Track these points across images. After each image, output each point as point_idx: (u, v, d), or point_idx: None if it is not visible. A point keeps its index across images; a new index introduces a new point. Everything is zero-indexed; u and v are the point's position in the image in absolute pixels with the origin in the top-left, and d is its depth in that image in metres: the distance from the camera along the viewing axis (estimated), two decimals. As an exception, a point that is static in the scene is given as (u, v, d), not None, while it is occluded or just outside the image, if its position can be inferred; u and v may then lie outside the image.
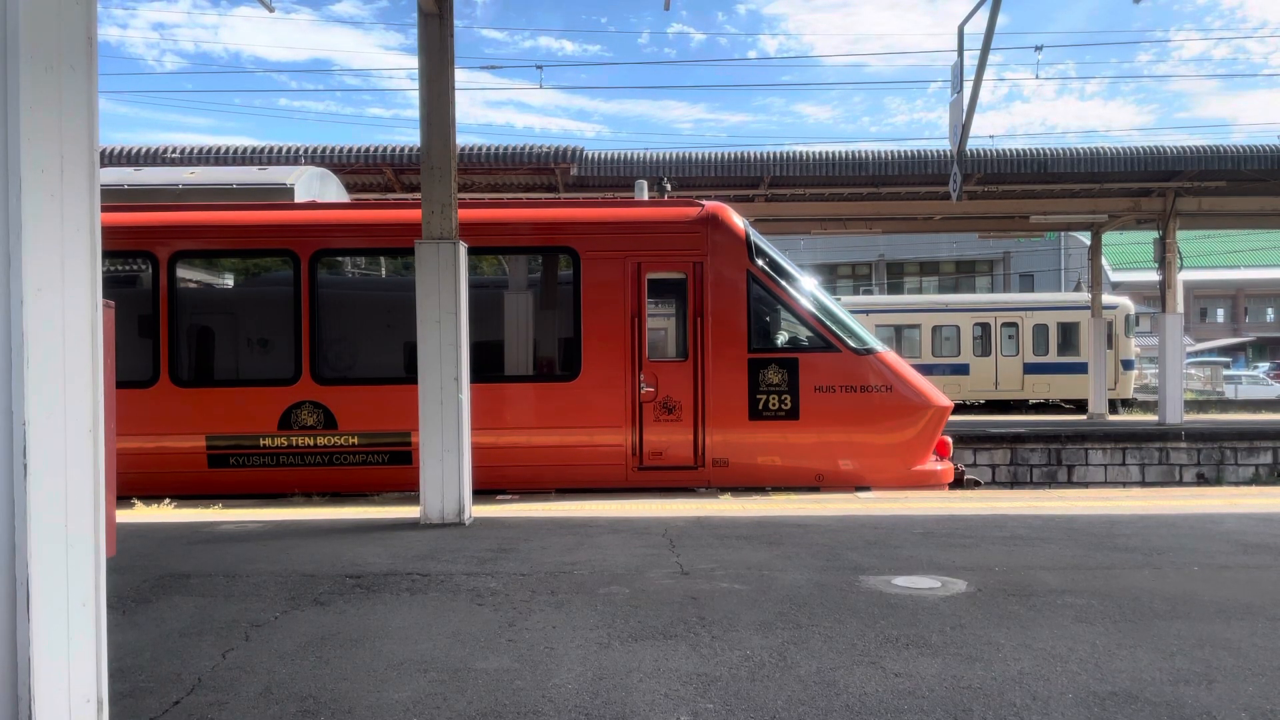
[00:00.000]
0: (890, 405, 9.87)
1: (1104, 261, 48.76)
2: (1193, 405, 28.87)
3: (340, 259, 10.43)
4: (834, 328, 9.95)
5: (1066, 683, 3.50)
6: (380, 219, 10.30)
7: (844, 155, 17.72)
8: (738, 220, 10.12)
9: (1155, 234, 19.42)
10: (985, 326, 27.32)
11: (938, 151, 17.54)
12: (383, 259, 10.84)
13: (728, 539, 6.60)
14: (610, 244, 9.96)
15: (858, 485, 9.89)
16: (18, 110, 2.23)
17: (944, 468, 10.27)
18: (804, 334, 9.97)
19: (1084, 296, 28.69)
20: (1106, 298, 25.25)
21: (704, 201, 10.28)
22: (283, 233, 9.93)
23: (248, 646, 4.10)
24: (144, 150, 16.53)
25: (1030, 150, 17.43)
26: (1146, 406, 27.93)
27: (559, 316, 10.18)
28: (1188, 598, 4.73)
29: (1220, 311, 65.90)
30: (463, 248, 7.61)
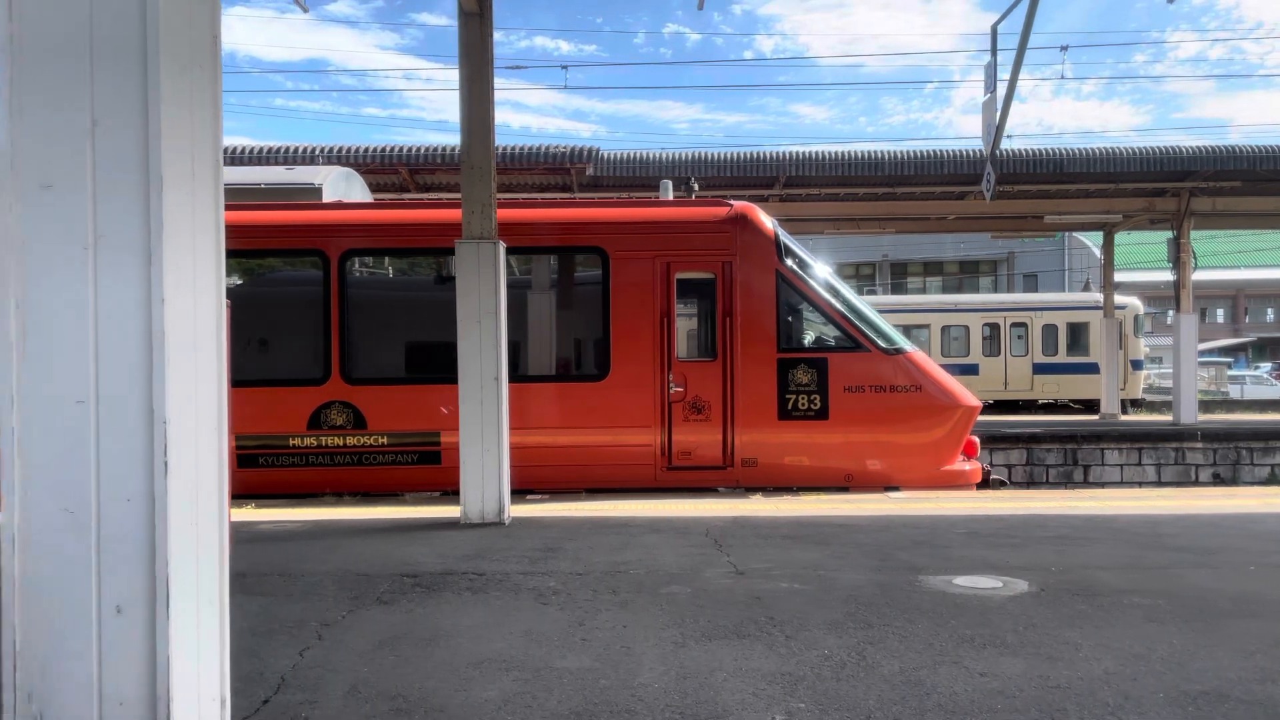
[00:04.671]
0: (919, 405, 9.87)
1: (1103, 260, 48.78)
2: (1199, 405, 28.80)
3: (370, 259, 10.42)
4: (863, 328, 9.95)
5: (1154, 682, 3.51)
6: (409, 219, 10.30)
7: (860, 155, 17.73)
8: (766, 220, 10.12)
9: (1168, 234, 19.43)
10: (994, 327, 27.33)
11: (954, 151, 17.56)
12: (412, 259, 10.80)
13: (772, 539, 6.60)
14: (639, 244, 9.96)
15: (887, 485, 9.89)
16: (158, 109, 2.23)
17: (972, 468, 10.28)
18: (833, 334, 9.97)
19: (1092, 297, 28.69)
20: (1116, 298, 25.25)
21: (733, 201, 10.29)
22: (312, 232, 9.93)
23: (322, 645, 4.10)
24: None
25: (1046, 150, 17.45)
26: (1152, 407, 27.96)
27: (588, 316, 10.17)
28: (1252, 597, 4.74)
29: (1220, 312, 65.99)
30: (502, 247, 7.61)
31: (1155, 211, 19.10)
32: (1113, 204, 19.04)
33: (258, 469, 9.76)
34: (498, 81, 7.76)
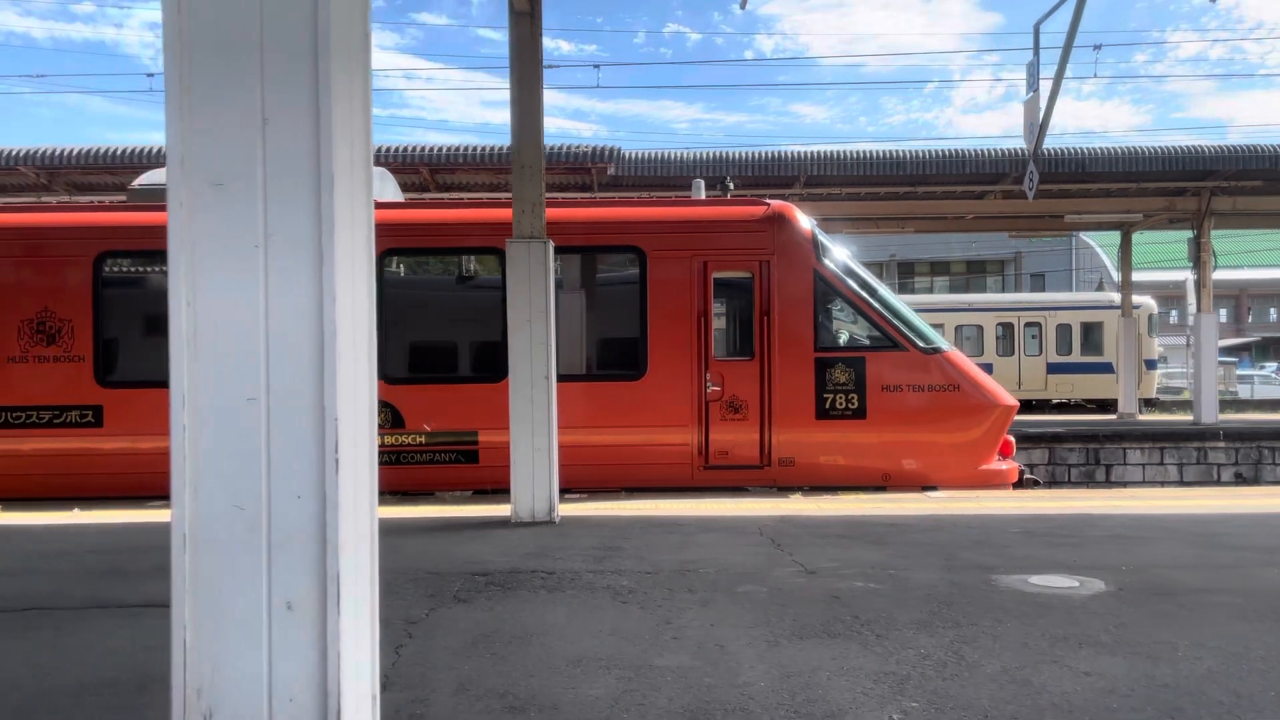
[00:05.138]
0: (957, 404, 9.87)
1: (1107, 261, 48.69)
2: (1210, 405, 28.71)
3: (408, 258, 10.41)
4: (901, 327, 9.96)
5: (1260, 681, 3.51)
6: (447, 218, 10.31)
7: (882, 154, 17.75)
8: (804, 219, 10.13)
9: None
10: (1008, 326, 27.34)
11: (975, 151, 17.56)
12: (449, 258, 10.74)
13: (828, 538, 6.61)
14: (677, 243, 9.96)
15: (924, 485, 9.89)
16: (330, 105, 2.23)
17: (1009, 467, 10.29)
18: (871, 333, 9.97)
19: (1106, 296, 28.68)
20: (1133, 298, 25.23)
21: (770, 201, 10.29)
22: None
23: (415, 643, 4.10)
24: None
25: (1068, 150, 17.44)
26: (1164, 407, 27.94)
27: (625, 315, 10.16)
28: (1331, 596, 4.74)
29: (1223, 311, 66.03)
30: (551, 246, 7.62)
31: (1175, 211, 19.08)
32: (1133, 203, 19.03)
33: None
34: (494, 80, 7.76)
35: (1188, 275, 30.23)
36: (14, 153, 16.39)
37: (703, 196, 11.63)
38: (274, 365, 2.25)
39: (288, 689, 2.25)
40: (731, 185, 11.84)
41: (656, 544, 6.38)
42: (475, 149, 17.13)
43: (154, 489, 9.62)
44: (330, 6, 2.24)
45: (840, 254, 10.19)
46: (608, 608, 4.66)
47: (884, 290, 10.33)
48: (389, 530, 7.12)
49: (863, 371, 9.82)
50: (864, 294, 9.99)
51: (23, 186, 17.72)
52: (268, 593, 2.25)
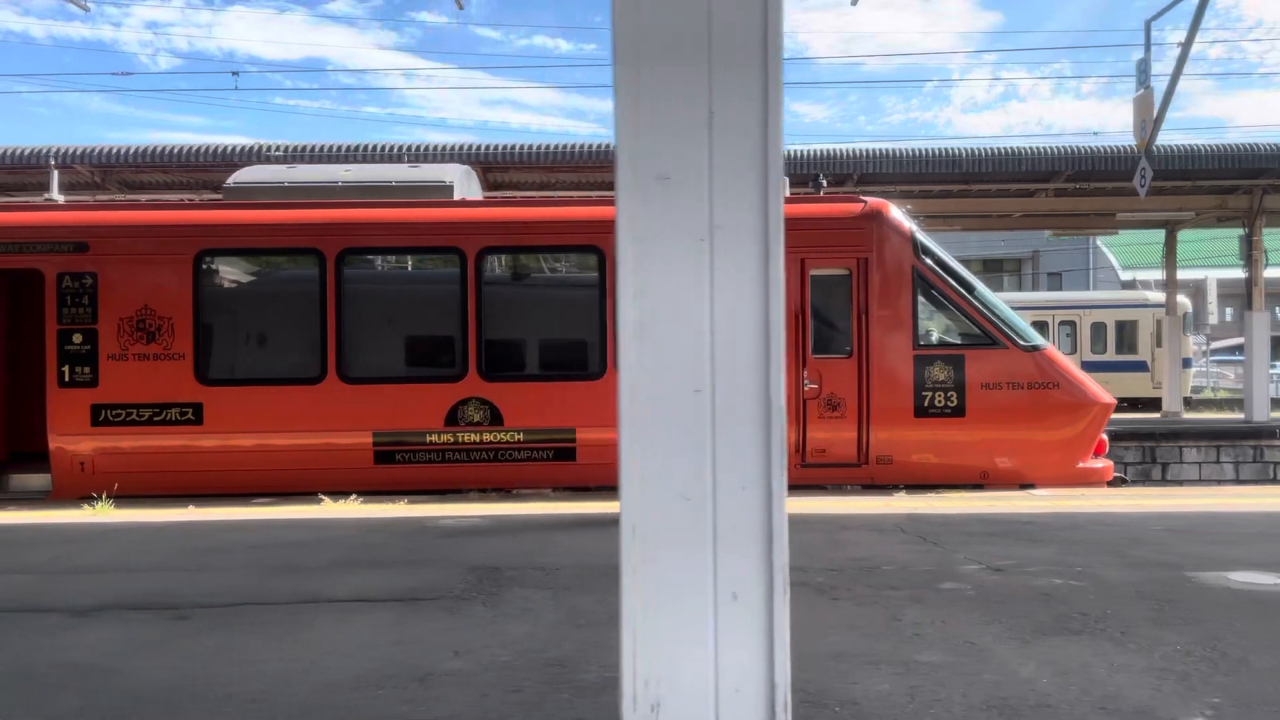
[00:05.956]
0: (1056, 402, 9.86)
1: (1113, 259, 48.53)
2: (1235, 403, 28.66)
3: (503, 256, 10.37)
4: (1000, 324, 9.94)
5: None
6: (544, 216, 10.29)
7: (936, 152, 17.75)
8: (902, 216, 10.12)
9: (1241, 230, 19.37)
10: (1042, 325, 27.31)
11: (1031, 148, 17.55)
12: (551, 256, 10.69)
13: (975, 535, 6.60)
14: None
15: (1022, 483, 9.88)
16: (778, 103, 2.23)
17: (1104, 465, 10.30)
18: (970, 330, 9.95)
19: (1140, 295, 28.67)
20: (1162, 296, 25.18)
21: (866, 198, 10.29)
22: (449, 230, 9.91)
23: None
24: (240, 149, 16.70)
25: (1122, 148, 17.41)
26: (1194, 406, 27.91)
27: None
28: None
29: (1229, 310, 65.91)
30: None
31: (1227, 209, 19.08)
32: (1186, 201, 19.01)
33: (394, 465, 9.74)
34: (493, 80, 7.77)
35: (1206, 274, 30.18)
36: (71, 151, 16.53)
37: (787, 193, 11.61)
38: (719, 356, 2.24)
39: (733, 679, 2.25)
40: (825, 182, 11.85)
41: (810, 541, 6.36)
42: (529, 148, 17.16)
43: (252, 486, 9.61)
44: (780, 5, 2.24)
45: (938, 250, 10.17)
46: (822, 604, 4.66)
47: (982, 287, 10.31)
48: (526, 526, 7.13)
49: (962, 369, 9.81)
50: (963, 291, 9.97)
51: (75, 185, 17.77)
52: (714, 583, 2.25)
